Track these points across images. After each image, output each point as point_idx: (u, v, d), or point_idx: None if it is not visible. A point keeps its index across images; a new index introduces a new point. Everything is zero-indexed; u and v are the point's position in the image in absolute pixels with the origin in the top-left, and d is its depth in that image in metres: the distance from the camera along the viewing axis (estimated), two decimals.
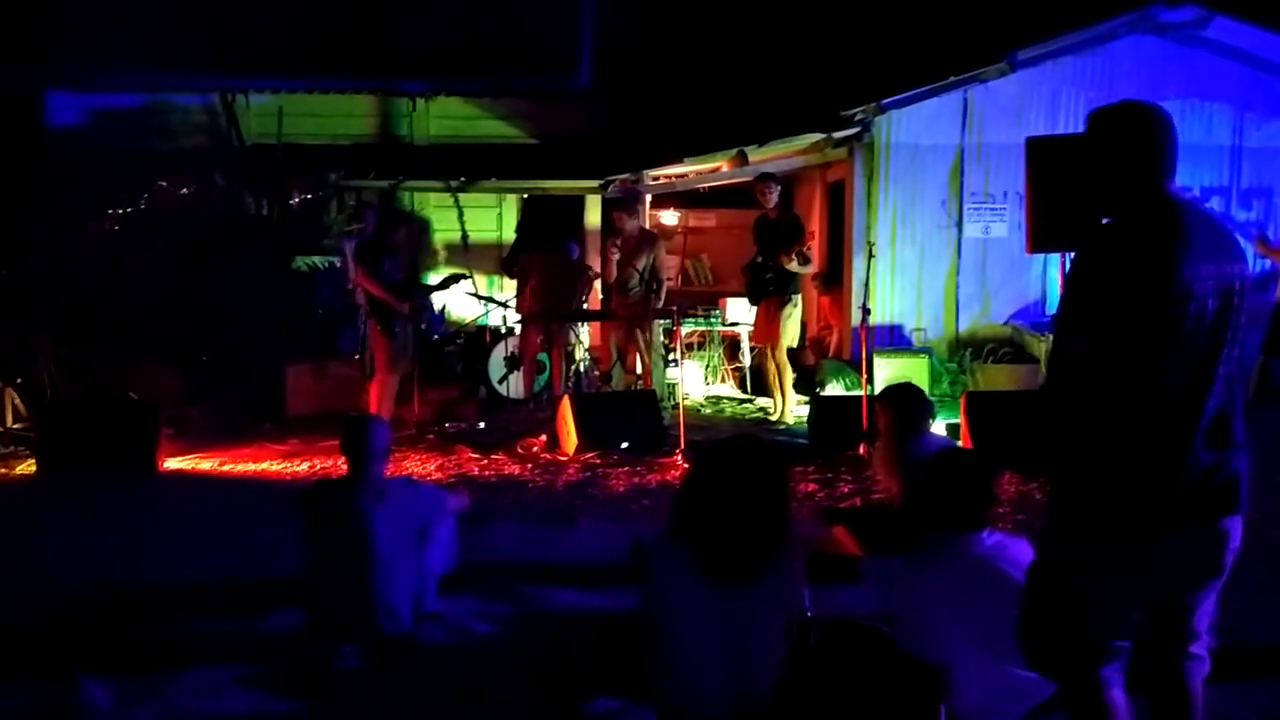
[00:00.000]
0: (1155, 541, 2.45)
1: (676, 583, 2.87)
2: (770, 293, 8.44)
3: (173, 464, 7.22)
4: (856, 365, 8.30)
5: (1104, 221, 2.57)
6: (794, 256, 8.21)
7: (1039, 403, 2.63)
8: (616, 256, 8.91)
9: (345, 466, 4.07)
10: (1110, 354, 2.43)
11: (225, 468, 7.20)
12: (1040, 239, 6.69)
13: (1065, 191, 6.29)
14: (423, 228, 11.63)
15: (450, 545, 4.31)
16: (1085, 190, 2.63)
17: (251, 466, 7.21)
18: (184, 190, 10.44)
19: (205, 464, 7.28)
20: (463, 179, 11.22)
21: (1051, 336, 2.65)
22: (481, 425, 8.29)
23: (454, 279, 8.64)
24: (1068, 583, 2.51)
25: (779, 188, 8.55)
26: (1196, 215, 2.51)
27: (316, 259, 10.44)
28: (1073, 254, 2.60)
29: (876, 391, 7.17)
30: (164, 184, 10.37)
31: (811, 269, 8.71)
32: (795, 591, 2.89)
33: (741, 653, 2.79)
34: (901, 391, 4.63)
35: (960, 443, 6.87)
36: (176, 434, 7.79)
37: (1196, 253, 2.40)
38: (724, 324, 10.19)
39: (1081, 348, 2.47)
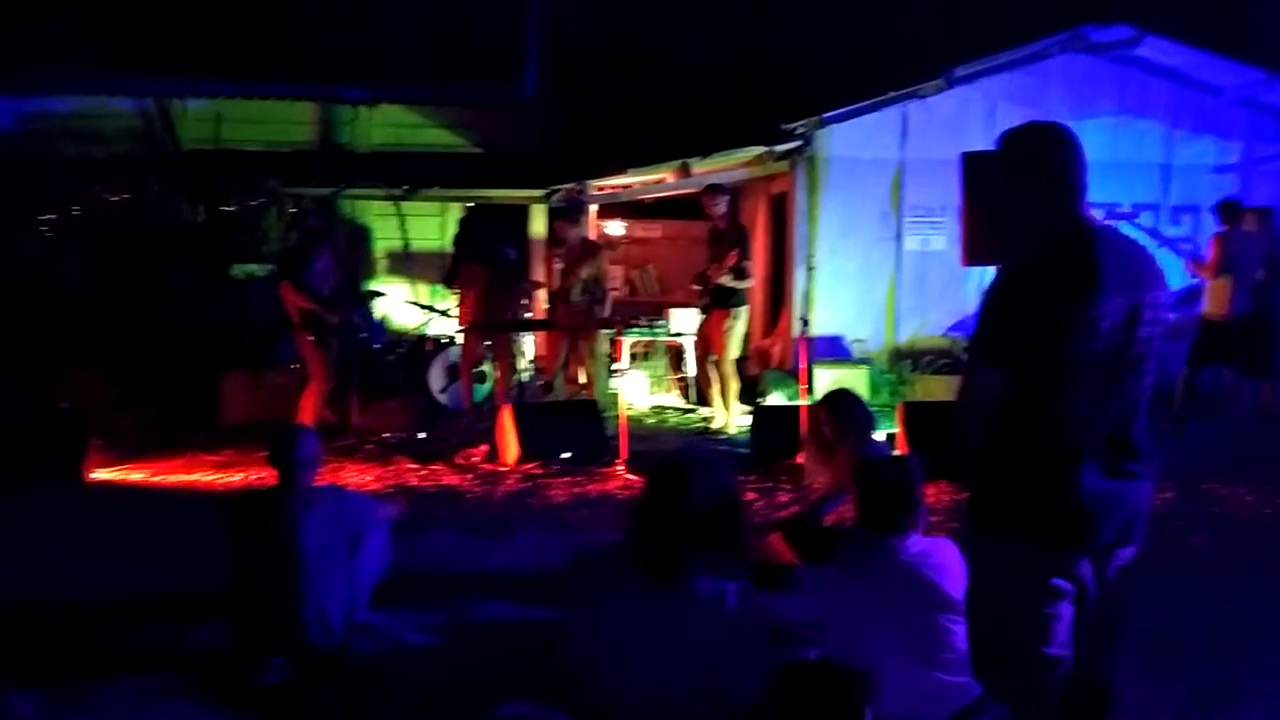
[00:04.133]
0: (1064, 562, 2.49)
1: (613, 587, 2.84)
2: (715, 303, 8.47)
3: (101, 475, 7.05)
4: (798, 376, 8.37)
5: (1018, 249, 2.61)
6: (726, 271, 8.23)
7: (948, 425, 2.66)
8: (559, 266, 8.90)
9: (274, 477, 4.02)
10: (1015, 386, 2.47)
11: (156, 479, 7.05)
12: (974, 252, 6.75)
13: (998, 206, 6.44)
14: (360, 238, 11.53)
15: (382, 555, 4.25)
16: (1001, 210, 2.69)
17: (183, 477, 7.07)
18: (117, 197, 10.23)
19: (135, 475, 7.13)
20: (405, 187, 11.14)
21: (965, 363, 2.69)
22: (421, 435, 8.22)
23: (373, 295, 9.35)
24: (1003, 604, 2.54)
25: (726, 198, 8.56)
26: (1108, 243, 2.54)
27: (254, 267, 10.28)
28: (988, 283, 2.65)
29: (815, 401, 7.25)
30: (97, 190, 10.16)
31: (749, 284, 8.68)
32: (739, 599, 2.85)
33: (674, 659, 2.75)
34: (836, 397, 4.71)
35: (896, 451, 6.96)
36: (106, 444, 7.60)
37: (1105, 287, 2.44)
38: (669, 334, 10.22)
39: (989, 379, 2.52)
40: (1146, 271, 2.57)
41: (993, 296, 2.55)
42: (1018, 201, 2.62)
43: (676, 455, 2.96)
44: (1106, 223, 2.67)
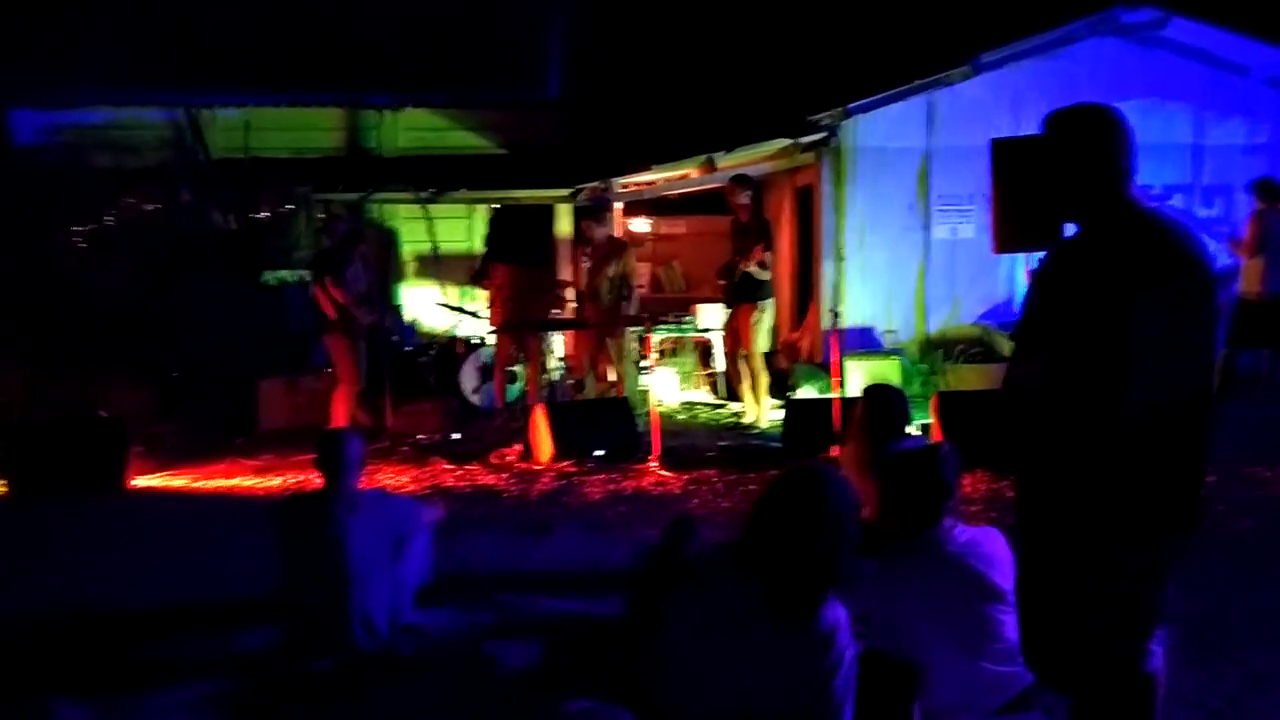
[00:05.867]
0: (1122, 548, 2.48)
1: (726, 615, 2.56)
2: (740, 298, 8.47)
3: (142, 482, 7.14)
4: (828, 368, 8.34)
5: (1065, 234, 2.59)
6: (752, 262, 8.23)
7: (997, 412, 2.60)
8: (587, 265, 8.92)
9: (319, 480, 4.05)
10: (1070, 372, 2.44)
11: (197, 485, 7.14)
12: (1005, 239, 6.72)
13: (1029, 192, 6.36)
14: (388, 241, 11.60)
15: (426, 557, 4.28)
16: (1047, 192, 2.65)
17: (224, 483, 7.15)
18: (150, 206, 10.35)
19: (176, 481, 7.21)
20: (432, 190, 11.20)
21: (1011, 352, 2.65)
22: (455, 436, 8.27)
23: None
24: (1057, 592, 2.52)
25: (750, 191, 8.55)
26: (1161, 226, 2.51)
27: (286, 273, 10.38)
28: (1034, 268, 2.62)
29: (848, 394, 7.21)
30: (130, 200, 10.28)
31: (768, 275, 8.63)
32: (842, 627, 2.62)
33: (780, 693, 2.54)
34: (876, 391, 4.63)
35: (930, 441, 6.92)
36: (146, 451, 7.71)
37: (1160, 270, 2.42)
38: (696, 330, 10.21)
39: (1040, 367, 2.48)
40: (1199, 254, 2.52)
41: (1041, 281, 2.52)
42: (1066, 185, 2.57)
43: (805, 477, 2.58)
44: (1155, 205, 2.63)
